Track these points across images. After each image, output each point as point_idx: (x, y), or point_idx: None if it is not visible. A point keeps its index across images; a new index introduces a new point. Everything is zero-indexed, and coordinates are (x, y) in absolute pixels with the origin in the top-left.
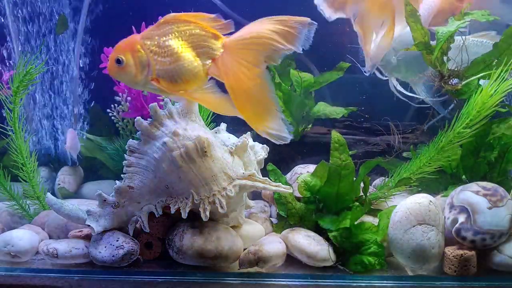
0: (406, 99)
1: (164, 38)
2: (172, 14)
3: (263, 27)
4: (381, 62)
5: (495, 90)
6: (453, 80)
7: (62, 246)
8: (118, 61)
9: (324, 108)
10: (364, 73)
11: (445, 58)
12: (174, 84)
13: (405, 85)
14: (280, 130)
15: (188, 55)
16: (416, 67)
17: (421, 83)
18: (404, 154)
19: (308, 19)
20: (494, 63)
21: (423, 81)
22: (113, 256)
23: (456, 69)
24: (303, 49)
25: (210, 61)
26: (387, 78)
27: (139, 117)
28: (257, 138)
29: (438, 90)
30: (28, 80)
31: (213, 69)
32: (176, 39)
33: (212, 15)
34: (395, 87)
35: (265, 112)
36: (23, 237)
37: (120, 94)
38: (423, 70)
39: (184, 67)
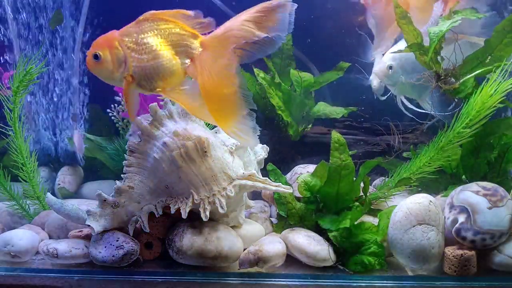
0: (414, 116)
1: (143, 36)
2: (152, 12)
3: (237, 22)
4: (390, 81)
5: (495, 90)
6: (450, 79)
7: (62, 246)
8: (96, 57)
9: (324, 108)
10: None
11: (438, 58)
12: (151, 82)
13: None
14: (247, 132)
15: (166, 53)
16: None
17: (427, 99)
18: (404, 154)
19: (286, 2)
20: (488, 60)
21: (429, 97)
22: (113, 256)
23: (451, 68)
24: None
25: (189, 60)
26: (384, 98)
27: (139, 117)
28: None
29: (448, 103)
30: (28, 80)
31: (191, 68)
32: (155, 37)
33: (192, 12)
34: (403, 104)
35: (235, 113)
36: (23, 237)
37: (120, 94)
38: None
39: (162, 65)
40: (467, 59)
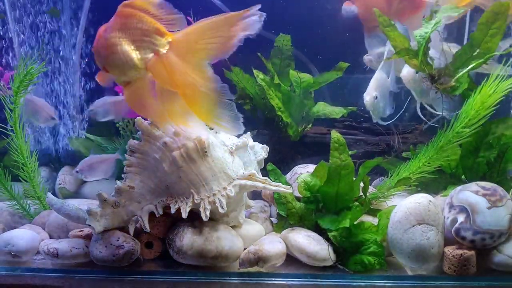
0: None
1: (109, 30)
2: (123, 3)
3: (209, 22)
4: (415, 86)
5: (494, 90)
6: (444, 78)
7: (62, 245)
8: None
9: (323, 108)
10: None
11: (428, 59)
12: (115, 74)
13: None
14: (229, 121)
15: (123, 48)
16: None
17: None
18: (404, 154)
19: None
20: (476, 53)
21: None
22: (113, 255)
23: (442, 66)
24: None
25: (152, 55)
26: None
27: (139, 117)
28: (257, 138)
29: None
30: (28, 80)
31: (155, 64)
32: (116, 31)
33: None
34: (422, 108)
35: (213, 106)
36: (24, 236)
37: (120, 93)
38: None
39: (120, 59)
40: (456, 55)
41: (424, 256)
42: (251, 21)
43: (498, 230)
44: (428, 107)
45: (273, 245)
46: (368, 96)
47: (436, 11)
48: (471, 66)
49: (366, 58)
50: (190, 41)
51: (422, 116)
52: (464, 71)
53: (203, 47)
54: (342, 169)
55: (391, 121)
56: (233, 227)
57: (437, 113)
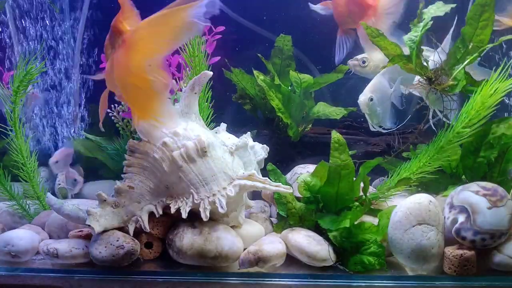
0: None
1: None
2: None
3: (159, 15)
4: (426, 92)
5: (495, 90)
6: (442, 78)
7: (62, 246)
8: None
9: (324, 109)
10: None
11: (423, 62)
12: None
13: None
14: (166, 116)
15: (105, 46)
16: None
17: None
18: (404, 154)
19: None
20: (470, 47)
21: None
22: (113, 256)
23: (438, 67)
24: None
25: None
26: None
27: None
28: (257, 138)
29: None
30: (28, 80)
31: (108, 63)
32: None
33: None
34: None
35: (155, 103)
36: (24, 237)
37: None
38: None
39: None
40: (450, 52)
41: (425, 256)
42: (203, 5)
43: (498, 230)
44: (439, 114)
45: (273, 245)
46: (363, 96)
47: (422, 13)
48: (466, 61)
49: (350, 63)
50: (139, 37)
51: (433, 126)
52: (460, 67)
53: (154, 41)
54: (343, 169)
55: (388, 131)
56: (233, 227)
57: (448, 122)
